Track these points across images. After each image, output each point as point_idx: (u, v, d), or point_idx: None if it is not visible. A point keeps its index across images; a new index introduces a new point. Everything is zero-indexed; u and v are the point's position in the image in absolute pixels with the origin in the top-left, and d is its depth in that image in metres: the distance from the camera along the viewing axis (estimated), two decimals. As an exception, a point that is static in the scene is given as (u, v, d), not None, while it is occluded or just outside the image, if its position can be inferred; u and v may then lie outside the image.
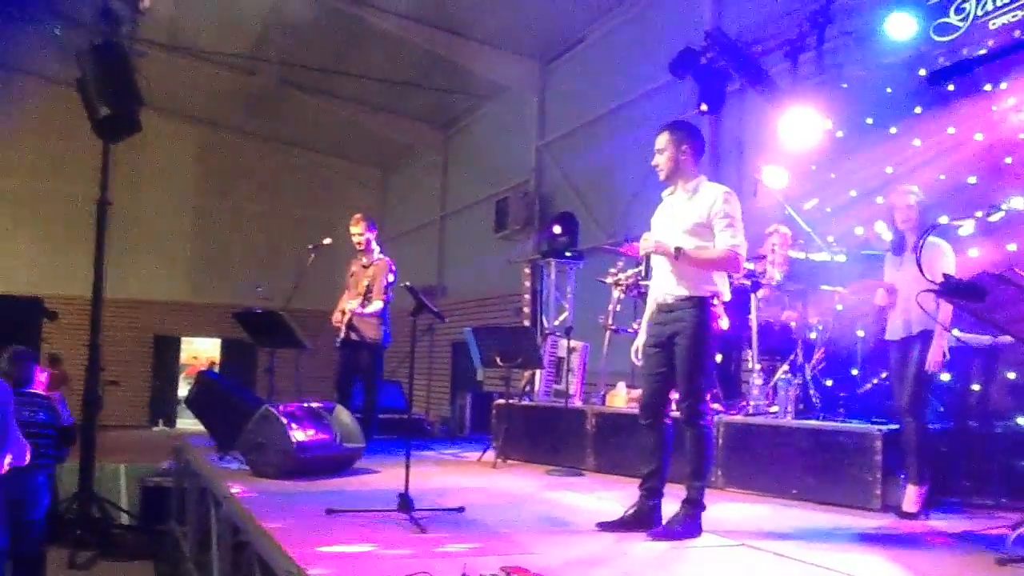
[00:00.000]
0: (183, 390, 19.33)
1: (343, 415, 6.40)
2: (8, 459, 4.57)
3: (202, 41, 15.72)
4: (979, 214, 4.43)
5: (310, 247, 7.96)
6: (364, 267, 7.80)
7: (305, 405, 6.26)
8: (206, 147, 20.17)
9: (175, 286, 20.22)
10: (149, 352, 20.21)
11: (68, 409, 6.47)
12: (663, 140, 4.42)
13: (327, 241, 7.95)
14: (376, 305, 7.53)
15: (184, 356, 21.40)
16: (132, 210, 18.62)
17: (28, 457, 4.76)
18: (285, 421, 5.83)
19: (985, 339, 5.21)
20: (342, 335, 7.67)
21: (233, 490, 5.13)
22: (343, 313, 7.61)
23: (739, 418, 6.09)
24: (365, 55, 15.36)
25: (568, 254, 10.64)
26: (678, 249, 4.23)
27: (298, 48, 15.46)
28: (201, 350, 21.65)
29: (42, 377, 6.69)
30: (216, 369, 19.03)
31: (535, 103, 14.80)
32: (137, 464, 10.75)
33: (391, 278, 7.61)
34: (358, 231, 7.82)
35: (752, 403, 6.31)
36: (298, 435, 5.83)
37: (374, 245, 7.88)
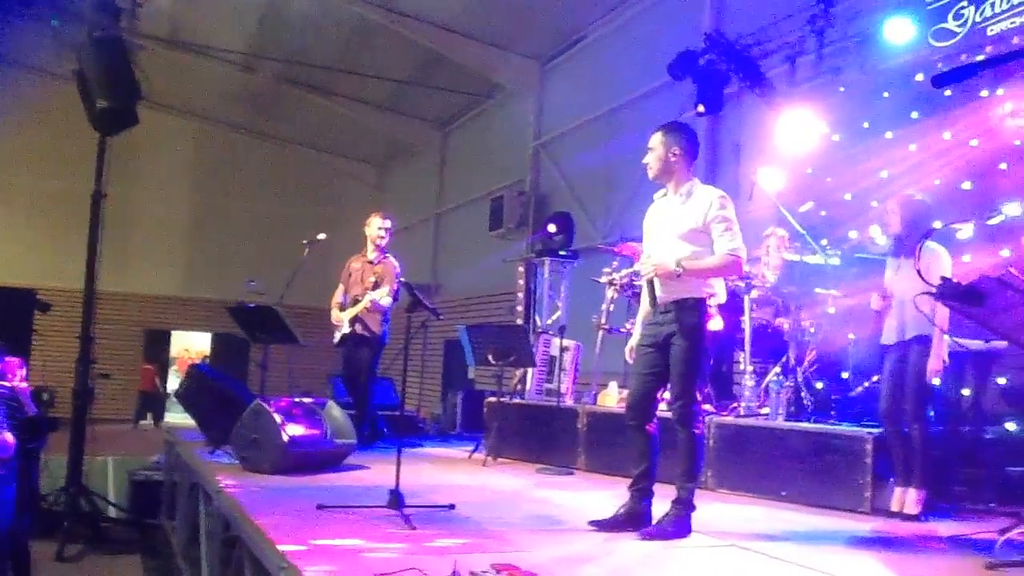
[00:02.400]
0: (172, 384, 19.32)
1: (335, 411, 6.39)
2: None
3: (201, 36, 15.71)
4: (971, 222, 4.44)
5: (304, 242, 7.96)
6: (371, 263, 7.85)
7: (297, 400, 6.25)
8: (203, 142, 20.13)
9: (168, 280, 20.20)
10: (140, 345, 20.16)
11: (32, 401, 6.40)
12: (655, 140, 4.42)
13: (321, 237, 7.94)
14: (388, 299, 7.52)
15: (174, 350, 21.36)
16: (127, 204, 18.56)
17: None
18: (277, 416, 5.81)
19: (977, 344, 5.22)
20: (347, 330, 7.69)
21: (224, 484, 5.12)
22: (357, 302, 7.65)
23: (730, 419, 6.09)
24: (364, 53, 15.37)
25: (563, 253, 10.64)
26: (679, 264, 4.21)
27: (297, 45, 15.44)
28: (191, 344, 21.61)
29: (21, 371, 6.63)
30: (207, 362, 19.00)
31: (533, 102, 14.80)
32: (127, 457, 10.72)
33: (389, 289, 7.63)
34: (386, 227, 7.92)
35: (744, 404, 6.32)
36: (290, 430, 5.82)
37: None
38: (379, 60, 15.54)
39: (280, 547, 3.47)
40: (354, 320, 7.68)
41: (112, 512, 8.19)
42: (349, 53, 15.54)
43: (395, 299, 7.62)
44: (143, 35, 13.60)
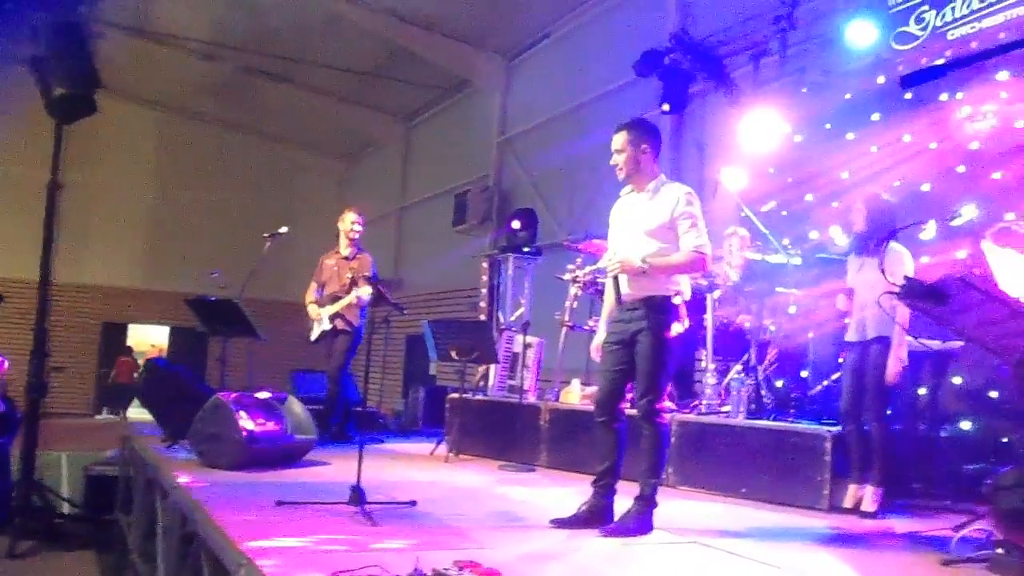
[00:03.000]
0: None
1: (295, 406, 6.33)
2: None
3: (163, 24, 15.45)
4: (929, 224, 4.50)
5: (266, 235, 7.88)
6: (346, 259, 7.88)
7: (257, 395, 6.18)
8: (163, 132, 19.82)
9: (126, 272, 19.89)
10: (96, 338, 19.84)
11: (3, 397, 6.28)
12: (621, 140, 4.37)
13: (284, 230, 7.88)
14: (367, 291, 7.47)
15: (131, 343, 21.04)
16: (84, 193, 18.26)
17: None
18: (236, 411, 5.74)
19: (935, 343, 5.30)
20: (327, 326, 7.66)
21: (181, 480, 5.05)
22: (337, 299, 7.65)
23: (692, 417, 6.13)
24: (328, 44, 15.23)
25: (526, 249, 10.64)
26: (645, 262, 4.21)
27: (260, 34, 15.25)
28: (148, 338, 21.29)
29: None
30: (164, 356, 18.78)
31: (498, 98, 14.78)
32: (81, 452, 10.54)
33: (374, 272, 7.64)
34: (360, 221, 7.99)
35: (705, 402, 6.36)
36: (249, 425, 5.75)
37: None
38: (344, 52, 15.43)
39: (239, 544, 3.42)
40: (334, 316, 7.66)
41: (66, 508, 8.04)
42: (313, 44, 15.39)
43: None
44: (103, 22, 13.36)
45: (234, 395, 5.97)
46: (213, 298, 7.33)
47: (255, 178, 20.42)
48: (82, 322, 19.29)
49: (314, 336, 7.84)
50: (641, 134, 4.38)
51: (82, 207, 18.39)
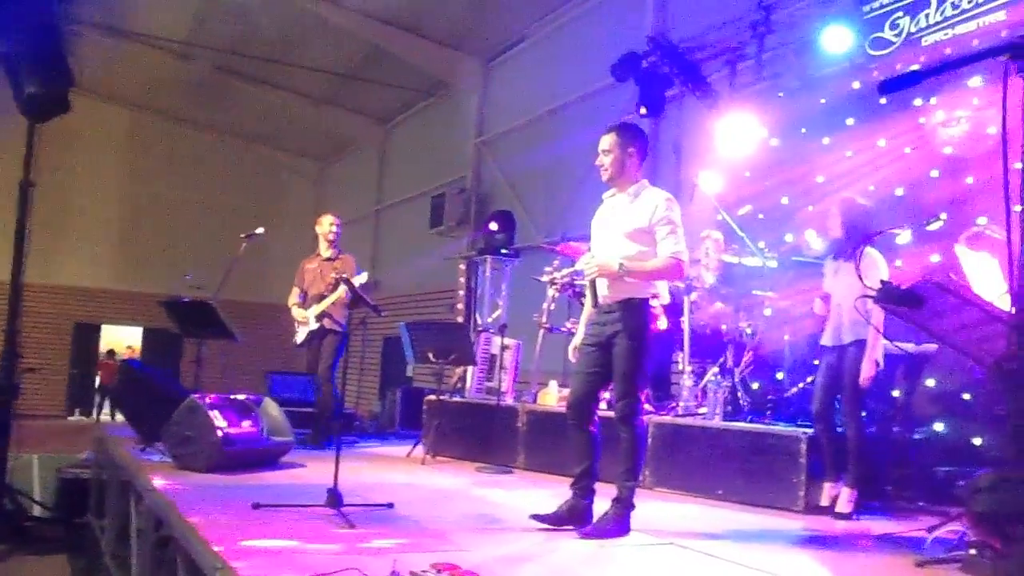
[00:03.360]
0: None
1: (271, 408, 6.30)
2: None
3: (138, 23, 15.32)
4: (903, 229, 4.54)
5: (243, 236, 7.82)
6: (329, 260, 7.88)
7: (232, 397, 6.13)
8: (137, 131, 19.66)
9: (98, 272, 19.71)
10: (68, 339, 19.63)
11: None
12: (610, 141, 4.40)
13: (260, 231, 7.82)
14: (361, 278, 7.42)
15: (104, 344, 20.84)
16: (57, 193, 18.08)
17: None
18: (212, 413, 5.70)
19: (909, 346, 5.35)
20: (314, 326, 7.62)
21: (156, 483, 5.00)
22: (323, 298, 7.65)
23: (669, 419, 6.15)
24: (305, 45, 15.17)
25: (504, 252, 10.65)
26: (622, 266, 4.22)
27: (236, 34, 15.17)
28: (121, 339, 21.09)
29: None
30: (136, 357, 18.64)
31: (475, 100, 14.78)
32: (54, 455, 10.42)
33: (365, 275, 7.60)
34: (338, 223, 8.04)
35: (682, 404, 6.39)
36: (224, 428, 5.71)
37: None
38: (320, 53, 15.37)
39: (215, 547, 3.39)
40: (321, 316, 7.64)
41: (37, 511, 7.94)
42: (290, 44, 15.33)
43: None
44: (78, 20, 13.24)
45: (209, 397, 5.93)
46: (187, 299, 7.27)
47: (231, 179, 20.30)
48: (54, 323, 19.09)
49: (300, 339, 7.79)
50: (630, 138, 4.41)
51: (55, 207, 18.18)
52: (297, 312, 7.81)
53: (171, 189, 20.05)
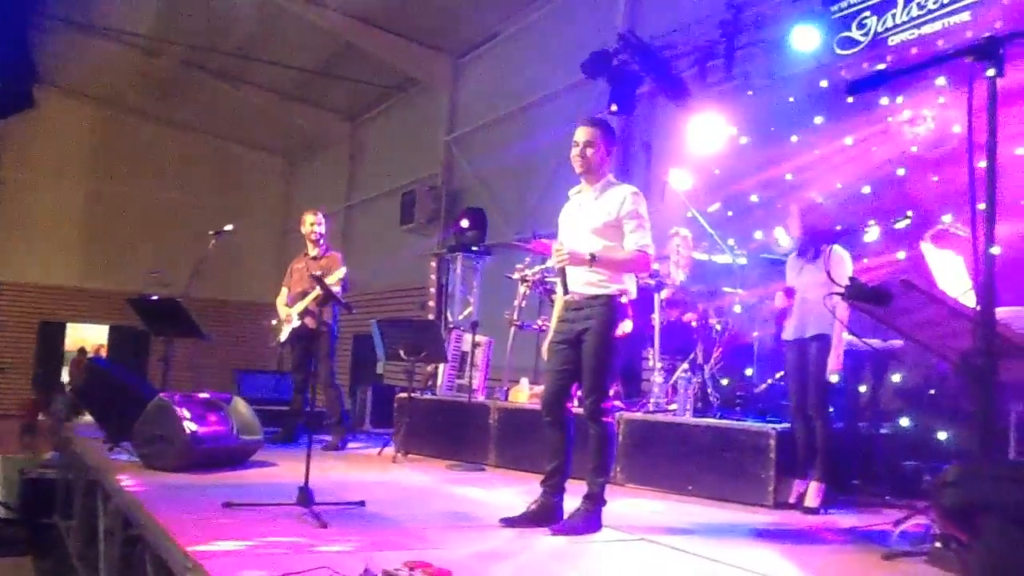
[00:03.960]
0: (67, 377, 18.65)
1: (240, 406, 6.25)
2: None
3: (105, 18, 15.10)
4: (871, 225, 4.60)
5: (211, 233, 7.76)
6: (314, 259, 7.83)
7: (201, 396, 6.08)
8: (103, 127, 19.33)
9: (64, 270, 19.38)
10: (33, 338, 19.34)
11: None
12: (588, 134, 4.41)
13: (229, 228, 7.77)
14: (337, 287, 7.31)
15: (69, 343, 20.53)
16: (22, 190, 17.83)
17: None
18: (179, 412, 5.65)
19: (875, 342, 5.42)
20: (296, 323, 7.55)
21: (125, 483, 4.95)
22: (304, 296, 7.57)
23: (639, 415, 6.18)
24: (273, 40, 15.04)
25: (475, 249, 10.65)
26: (592, 256, 4.24)
27: (203, 29, 15.00)
28: (87, 337, 20.80)
29: None
30: (103, 355, 18.40)
31: (446, 97, 14.75)
32: (17, 454, 10.28)
33: (344, 270, 7.53)
34: (318, 221, 7.95)
35: (652, 401, 6.42)
36: (193, 426, 5.66)
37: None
38: (289, 49, 15.24)
39: (186, 546, 3.36)
40: (303, 313, 7.57)
41: (0, 512, 7.84)
42: (258, 40, 15.18)
43: (344, 288, 7.52)
44: (42, 14, 13.03)
45: (177, 395, 5.87)
46: (155, 297, 7.20)
47: (199, 176, 20.05)
48: (18, 321, 18.81)
49: (283, 336, 7.73)
50: (605, 133, 4.46)
51: (18, 203, 17.96)
52: (282, 311, 7.75)
53: (137, 186, 19.75)
